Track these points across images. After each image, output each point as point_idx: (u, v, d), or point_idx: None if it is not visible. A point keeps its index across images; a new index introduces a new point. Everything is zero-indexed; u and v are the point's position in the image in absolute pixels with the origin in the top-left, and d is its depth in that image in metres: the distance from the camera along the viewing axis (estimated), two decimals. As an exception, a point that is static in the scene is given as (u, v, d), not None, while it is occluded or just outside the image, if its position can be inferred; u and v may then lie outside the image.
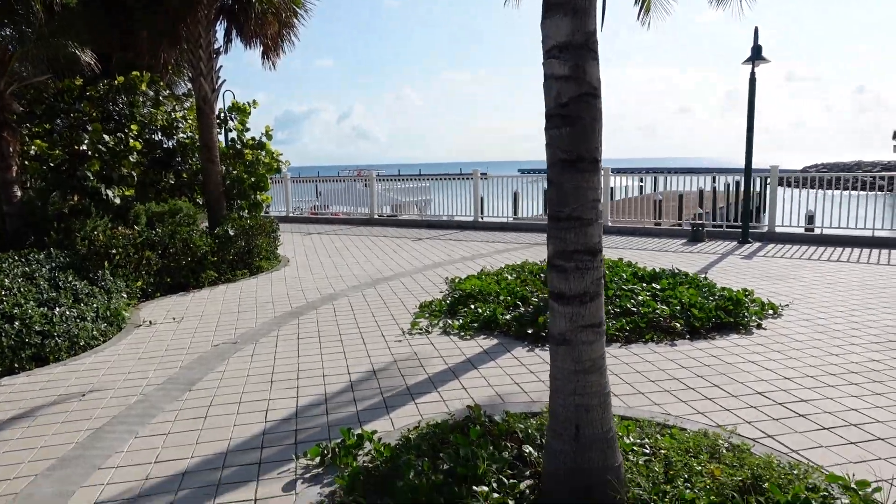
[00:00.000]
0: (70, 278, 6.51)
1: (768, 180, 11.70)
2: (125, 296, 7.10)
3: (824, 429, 3.72)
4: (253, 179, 10.29)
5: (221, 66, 9.70)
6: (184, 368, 5.12)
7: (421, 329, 6.04)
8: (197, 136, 10.39)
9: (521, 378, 4.68)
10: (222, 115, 10.88)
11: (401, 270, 9.27)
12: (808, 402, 4.13)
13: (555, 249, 2.68)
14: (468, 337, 5.74)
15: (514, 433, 3.44)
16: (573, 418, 2.70)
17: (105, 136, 8.82)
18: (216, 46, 9.65)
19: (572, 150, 2.57)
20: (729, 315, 5.88)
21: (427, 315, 6.49)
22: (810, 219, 13.71)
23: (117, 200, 8.53)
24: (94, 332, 5.90)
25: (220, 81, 9.67)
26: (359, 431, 3.64)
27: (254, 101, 10.69)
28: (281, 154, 10.61)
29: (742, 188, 15.88)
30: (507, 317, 5.96)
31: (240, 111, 10.59)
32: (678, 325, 5.66)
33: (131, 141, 9.24)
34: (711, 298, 6.20)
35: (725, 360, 4.97)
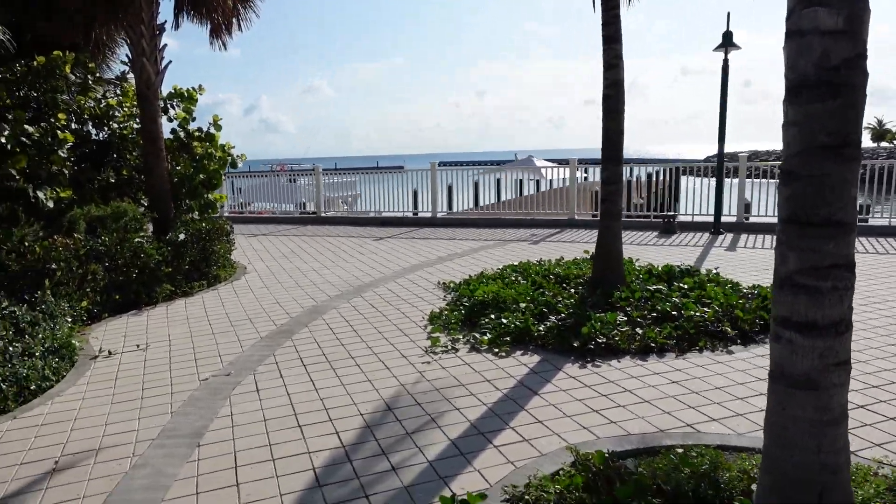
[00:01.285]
0: (3, 303, 5.28)
1: (731, 170, 11.65)
2: (69, 320, 5.89)
3: (967, 449, 3.31)
4: (202, 176, 9.09)
5: (166, 45, 8.44)
6: (178, 414, 4.13)
7: (444, 346, 5.29)
8: (135, 127, 9.07)
9: (595, 403, 4.04)
10: (162, 102, 9.57)
11: (379, 275, 8.42)
12: (922, 415, 3.73)
13: (802, 264, 2.04)
14: (503, 354, 5.05)
15: (657, 487, 2.80)
16: (816, 482, 2.09)
17: (27, 126, 7.42)
18: (159, 21, 8.39)
19: (839, 132, 1.93)
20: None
21: (443, 328, 5.73)
22: (746, 207, 13.95)
23: (50, 203, 7.17)
24: (46, 371, 4.75)
25: (165, 63, 8.42)
26: (462, 496, 2.88)
27: (199, 87, 9.45)
28: (233, 147, 9.44)
29: (663, 178, 15.60)
30: (542, 328, 5.31)
31: (184, 98, 9.32)
32: (728, 329, 5.21)
33: (59, 132, 7.86)
34: (750, 298, 5.82)
35: (800, 369, 4.54)
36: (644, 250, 9.63)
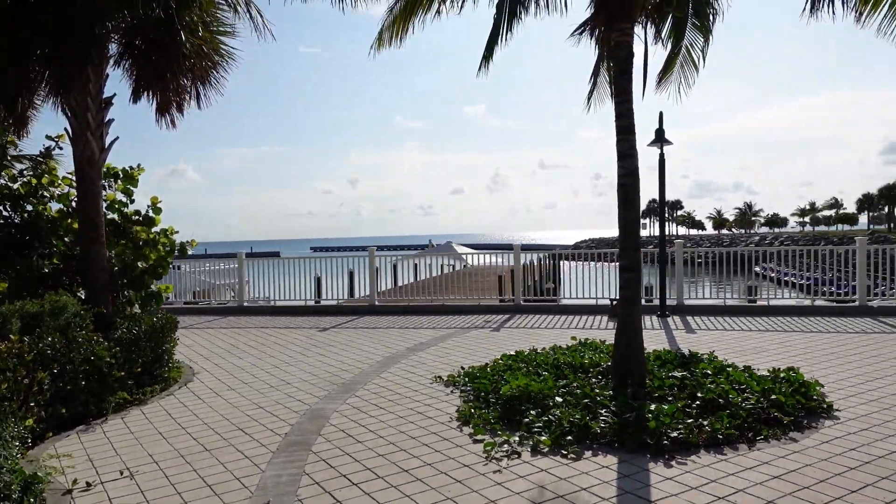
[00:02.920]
0: (-54, 428, 4.06)
1: (674, 256, 12.24)
2: (17, 444, 4.67)
3: None
4: (142, 264, 7.98)
5: (112, 120, 7.51)
6: (242, 564, 3.25)
7: (504, 450, 4.74)
8: (61, 209, 7.90)
9: (723, 509, 3.70)
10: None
11: (357, 370, 7.69)
12: None
13: None
14: (574, 456, 4.60)
15: None
16: None
17: (-59, 206, 6.15)
18: (105, 95, 7.48)
19: None
20: (807, 399, 5.54)
21: (483, 428, 5.19)
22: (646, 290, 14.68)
23: (-24, 298, 5.86)
24: (28, 518, 3.63)
25: (111, 139, 7.46)
26: None
27: (139, 166, 8.45)
28: (176, 232, 8.44)
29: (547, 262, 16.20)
30: (602, 425, 4.95)
31: (121, 178, 8.26)
32: (780, 415, 5.15)
33: (-23, 214, 6.60)
34: (780, 383, 5.85)
35: (878, 454, 4.51)
36: (608, 334, 9.62)
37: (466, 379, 6.64)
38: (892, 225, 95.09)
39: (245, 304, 14.04)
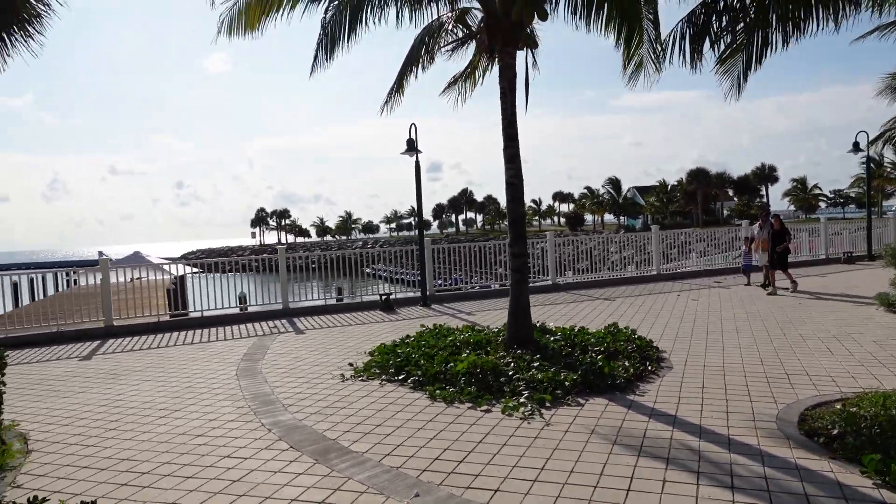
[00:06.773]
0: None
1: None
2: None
3: (860, 377, 6.01)
4: None
5: None
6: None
7: (523, 411, 5.37)
8: None
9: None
10: None
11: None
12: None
13: None
14: (575, 403, 5.56)
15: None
16: None
17: None
18: None
19: None
20: (648, 342, 7.60)
21: (481, 400, 5.67)
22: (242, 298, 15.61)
23: None
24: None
25: None
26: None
27: None
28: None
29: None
30: (574, 376, 6.01)
31: None
32: (652, 354, 7.05)
33: None
34: (626, 333, 7.81)
35: (717, 364, 6.72)
36: (401, 325, 10.53)
37: (390, 370, 6.80)
38: (457, 229, 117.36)
39: None
